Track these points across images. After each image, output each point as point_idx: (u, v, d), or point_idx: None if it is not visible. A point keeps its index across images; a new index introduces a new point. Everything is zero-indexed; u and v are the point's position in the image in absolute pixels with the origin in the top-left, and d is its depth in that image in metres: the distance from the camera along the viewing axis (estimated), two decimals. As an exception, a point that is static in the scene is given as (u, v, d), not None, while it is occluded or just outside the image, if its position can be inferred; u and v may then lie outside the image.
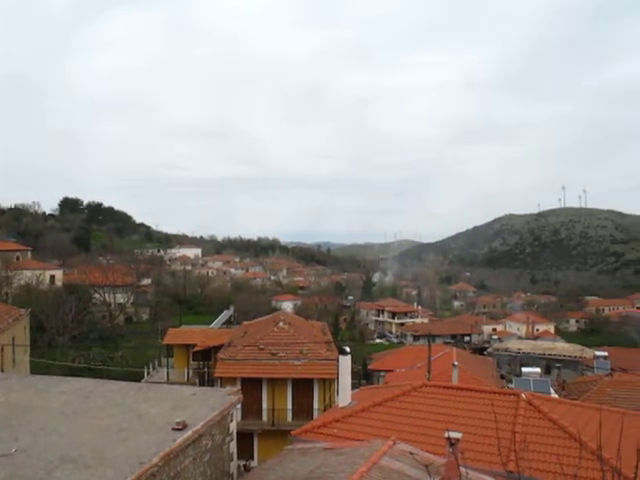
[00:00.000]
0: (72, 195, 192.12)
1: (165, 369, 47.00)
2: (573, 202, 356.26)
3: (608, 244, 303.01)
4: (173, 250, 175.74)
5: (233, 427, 17.03)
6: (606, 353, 53.38)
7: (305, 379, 34.81)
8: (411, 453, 13.60)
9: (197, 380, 42.53)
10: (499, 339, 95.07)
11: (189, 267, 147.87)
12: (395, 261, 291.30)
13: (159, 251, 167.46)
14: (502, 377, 49.34)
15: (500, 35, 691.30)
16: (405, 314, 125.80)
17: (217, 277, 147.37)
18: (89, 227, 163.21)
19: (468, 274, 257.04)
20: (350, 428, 18.60)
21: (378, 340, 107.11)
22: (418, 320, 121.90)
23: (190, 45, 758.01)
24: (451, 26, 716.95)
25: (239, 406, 23.15)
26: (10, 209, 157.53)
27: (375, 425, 18.46)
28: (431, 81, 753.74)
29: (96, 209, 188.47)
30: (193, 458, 14.09)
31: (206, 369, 43.11)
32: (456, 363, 34.37)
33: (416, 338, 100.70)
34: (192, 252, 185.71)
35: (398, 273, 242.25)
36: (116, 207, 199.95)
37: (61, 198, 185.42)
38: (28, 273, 78.35)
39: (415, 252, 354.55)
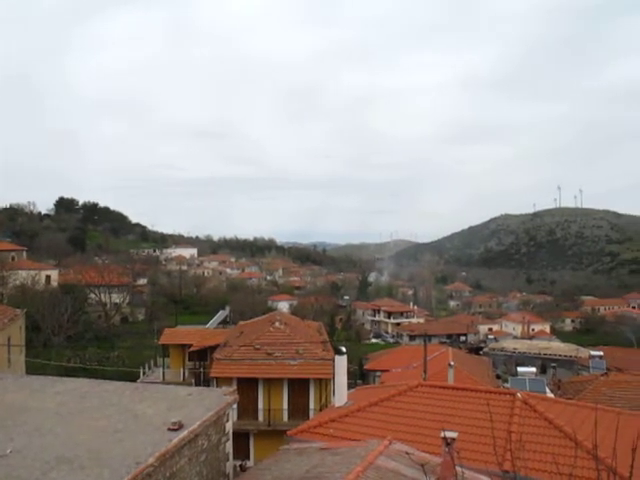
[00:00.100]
0: (68, 195, 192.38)
1: (161, 369, 47.02)
2: (569, 202, 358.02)
3: (603, 244, 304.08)
4: (169, 250, 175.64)
5: (229, 427, 17.02)
6: (601, 353, 53.62)
7: (301, 379, 34.80)
8: (407, 453, 13.61)
9: (193, 380, 42.50)
10: (495, 339, 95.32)
11: (185, 267, 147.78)
12: (391, 261, 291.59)
13: (155, 251, 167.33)
14: (498, 377, 49.44)
15: (497, 35, 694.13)
16: (401, 314, 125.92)
17: (213, 277, 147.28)
18: (85, 227, 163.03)
19: (464, 274, 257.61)
20: (346, 428, 18.60)
21: (374, 340, 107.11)
22: (414, 320, 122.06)
23: (189, 45, 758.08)
24: (448, 26, 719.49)
25: (235, 406, 23.12)
26: (5, 209, 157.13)
27: (371, 425, 18.46)
28: (428, 81, 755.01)
29: (92, 209, 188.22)
30: (189, 458, 14.08)
31: (202, 369, 43.08)
32: (452, 363, 34.40)
33: (412, 338, 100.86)
34: (188, 252, 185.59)
35: (394, 273, 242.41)
36: (112, 207, 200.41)
37: (57, 198, 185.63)
38: (23, 273, 78.22)
39: (411, 252, 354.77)
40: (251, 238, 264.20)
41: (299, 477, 13.53)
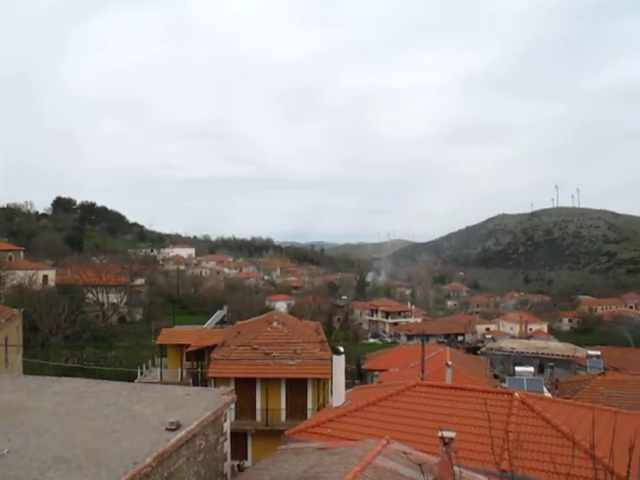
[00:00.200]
0: (65, 195, 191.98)
1: (158, 369, 46.93)
2: (566, 202, 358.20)
3: (601, 244, 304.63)
4: (166, 250, 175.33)
5: (227, 427, 17.02)
6: (599, 352, 53.71)
7: (299, 379, 34.79)
8: (405, 452, 13.62)
9: (191, 380, 42.44)
10: (492, 338, 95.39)
11: (182, 267, 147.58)
12: (388, 261, 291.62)
13: (152, 251, 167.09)
14: (495, 376, 49.48)
15: (497, 35, 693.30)
16: (399, 314, 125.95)
17: (210, 277, 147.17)
18: (82, 227, 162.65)
19: (461, 274, 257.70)
20: (344, 428, 18.61)
21: (372, 340, 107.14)
22: (412, 320, 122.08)
23: (188, 45, 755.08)
24: (448, 26, 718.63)
25: (233, 406, 23.12)
26: (2, 208, 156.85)
27: (369, 425, 18.47)
28: (427, 81, 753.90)
29: (89, 209, 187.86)
30: (187, 458, 14.07)
31: (200, 369, 43.02)
32: (450, 363, 34.41)
33: (410, 338, 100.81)
34: (185, 252, 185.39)
35: (391, 273, 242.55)
36: (109, 207, 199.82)
37: (54, 198, 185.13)
38: (21, 273, 78.06)
39: (408, 252, 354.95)
40: (249, 238, 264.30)
41: (297, 477, 13.53)
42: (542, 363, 57.34)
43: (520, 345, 68.60)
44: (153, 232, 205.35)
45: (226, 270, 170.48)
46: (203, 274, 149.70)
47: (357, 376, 55.34)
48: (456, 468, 11.14)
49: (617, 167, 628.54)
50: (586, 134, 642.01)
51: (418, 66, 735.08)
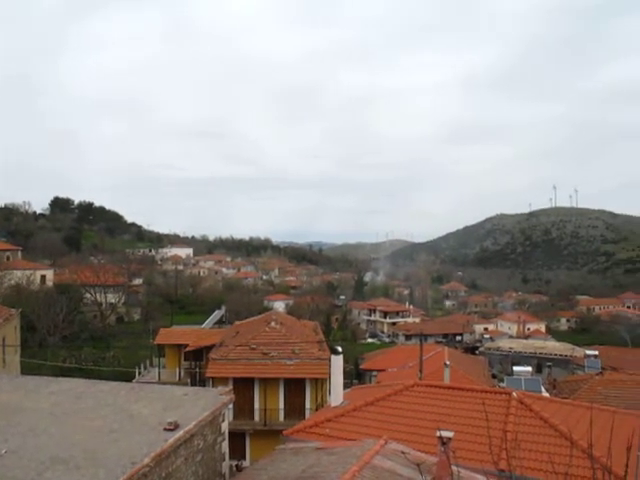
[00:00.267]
0: (63, 195, 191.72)
1: (157, 369, 46.85)
2: (564, 202, 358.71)
3: (599, 244, 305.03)
4: (164, 250, 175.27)
5: (225, 427, 16.99)
6: (597, 352, 53.74)
7: (297, 379, 34.79)
8: (403, 452, 13.63)
9: (189, 380, 42.41)
10: (491, 338, 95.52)
11: (181, 267, 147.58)
12: (387, 261, 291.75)
13: (150, 251, 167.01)
14: (494, 376, 49.48)
15: (497, 35, 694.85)
16: (397, 314, 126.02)
17: (209, 277, 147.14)
18: (80, 227, 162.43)
19: (460, 274, 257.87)
20: (342, 428, 18.61)
21: (370, 340, 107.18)
22: (410, 320, 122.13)
23: (188, 45, 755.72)
24: (447, 26, 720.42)
25: (231, 406, 23.12)
26: (0, 208, 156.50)
27: (367, 424, 18.48)
28: (426, 81, 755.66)
29: (87, 209, 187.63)
30: (185, 458, 14.06)
31: (198, 369, 43.00)
32: (448, 362, 34.45)
33: (408, 338, 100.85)
34: (184, 252, 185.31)
35: (390, 273, 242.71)
36: (107, 207, 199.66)
37: (52, 198, 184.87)
38: (18, 273, 77.95)
39: (407, 252, 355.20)
40: (247, 238, 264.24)
41: (295, 477, 13.53)
42: (540, 363, 57.29)
43: (518, 345, 68.60)
44: (151, 232, 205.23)
45: (224, 270, 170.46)
46: (201, 274, 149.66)
47: (355, 376, 55.33)
48: (454, 468, 11.16)
49: (615, 167, 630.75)
50: (584, 134, 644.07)
51: (417, 66, 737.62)
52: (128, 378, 38.71)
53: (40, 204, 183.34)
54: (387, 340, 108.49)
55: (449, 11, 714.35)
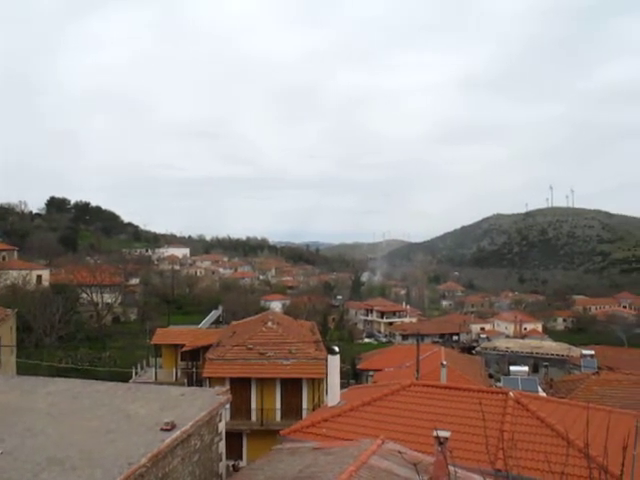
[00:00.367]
0: (59, 194, 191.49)
1: (153, 369, 46.87)
2: (560, 202, 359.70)
3: (595, 244, 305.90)
4: (161, 250, 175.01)
5: (222, 427, 16.98)
6: (593, 352, 53.86)
7: (294, 379, 34.79)
8: (400, 452, 13.63)
9: (185, 380, 42.40)
10: (487, 338, 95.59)
11: (177, 267, 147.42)
12: (384, 261, 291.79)
13: (147, 251, 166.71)
14: (490, 376, 49.58)
15: (491, 36, 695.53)
16: (394, 313, 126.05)
17: (205, 277, 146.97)
18: (76, 227, 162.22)
19: (456, 274, 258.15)
20: (339, 428, 18.61)
21: (367, 339, 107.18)
22: (407, 319, 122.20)
23: (186, 44, 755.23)
24: (442, 27, 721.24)
25: (228, 406, 23.07)
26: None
27: (364, 424, 18.48)
28: (421, 82, 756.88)
29: (83, 208, 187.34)
30: (182, 458, 14.04)
31: (195, 369, 42.98)
32: (445, 362, 34.45)
33: (405, 337, 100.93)
34: (180, 252, 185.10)
35: (387, 273, 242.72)
36: (104, 207, 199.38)
37: (48, 197, 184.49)
38: (14, 273, 77.78)
39: (403, 252, 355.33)
40: (244, 238, 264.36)
41: (292, 477, 13.52)
42: (536, 362, 57.43)
43: (515, 345, 68.74)
44: (148, 232, 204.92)
45: (221, 270, 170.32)
46: (198, 274, 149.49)
47: (352, 376, 55.31)
48: (451, 467, 11.15)
49: (611, 167, 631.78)
50: (581, 135, 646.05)
51: (415, 66, 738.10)
52: (125, 378, 38.68)
53: (36, 204, 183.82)
54: (384, 340, 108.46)
55: (445, 12, 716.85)
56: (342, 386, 25.39)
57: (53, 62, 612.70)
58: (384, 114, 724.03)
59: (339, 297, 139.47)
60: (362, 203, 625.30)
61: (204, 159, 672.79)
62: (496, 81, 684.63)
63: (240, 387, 33.68)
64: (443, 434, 12.05)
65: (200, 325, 70.08)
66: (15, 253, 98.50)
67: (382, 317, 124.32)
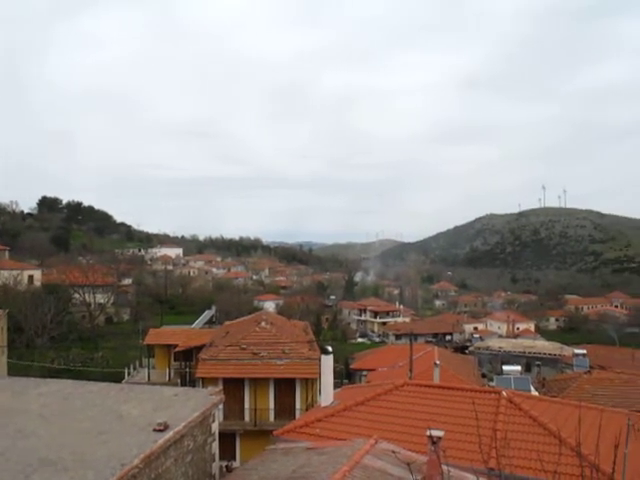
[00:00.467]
0: (51, 194, 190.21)
1: (146, 370, 46.71)
2: (553, 202, 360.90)
3: (587, 244, 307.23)
4: (154, 250, 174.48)
5: (215, 427, 16.95)
6: (585, 351, 54.07)
7: (287, 379, 34.77)
8: (393, 452, 13.64)
9: (178, 380, 42.28)
10: (480, 338, 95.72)
11: (170, 267, 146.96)
12: (377, 261, 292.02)
13: (140, 251, 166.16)
14: (483, 375, 49.67)
15: (485, 36, 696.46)
16: (387, 313, 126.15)
17: (199, 277, 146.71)
18: (68, 226, 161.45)
19: (449, 273, 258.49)
20: (332, 427, 18.62)
21: (360, 339, 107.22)
22: (400, 319, 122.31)
23: (178, 44, 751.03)
24: (436, 27, 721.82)
25: (221, 406, 23.03)
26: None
27: (357, 424, 18.49)
28: (414, 82, 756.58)
29: (75, 208, 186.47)
30: (175, 459, 14.00)
31: (188, 369, 42.86)
32: (438, 362, 34.53)
33: (398, 337, 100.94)
34: (173, 252, 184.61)
35: (380, 272, 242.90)
36: (96, 206, 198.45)
37: (40, 197, 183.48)
38: (5, 273, 77.33)
39: (397, 252, 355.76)
40: (237, 238, 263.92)
41: (286, 477, 13.51)
42: (529, 362, 57.57)
43: (507, 344, 68.87)
44: (140, 232, 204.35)
45: (214, 270, 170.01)
46: (191, 274, 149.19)
47: (345, 376, 55.30)
48: (444, 467, 11.19)
49: (603, 168, 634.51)
50: (573, 135, 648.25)
51: (408, 66, 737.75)
52: (117, 379, 38.56)
53: (28, 203, 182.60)
54: (377, 340, 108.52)
55: (438, 12, 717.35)
56: (335, 386, 25.41)
57: (43, 61, 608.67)
58: (377, 114, 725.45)
59: (332, 297, 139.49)
60: (355, 203, 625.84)
61: (197, 159, 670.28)
62: (489, 82, 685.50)
63: (233, 387, 33.64)
64: (436, 433, 12.08)
65: (193, 325, 69.98)
66: (6, 253, 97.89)
67: (375, 317, 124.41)
